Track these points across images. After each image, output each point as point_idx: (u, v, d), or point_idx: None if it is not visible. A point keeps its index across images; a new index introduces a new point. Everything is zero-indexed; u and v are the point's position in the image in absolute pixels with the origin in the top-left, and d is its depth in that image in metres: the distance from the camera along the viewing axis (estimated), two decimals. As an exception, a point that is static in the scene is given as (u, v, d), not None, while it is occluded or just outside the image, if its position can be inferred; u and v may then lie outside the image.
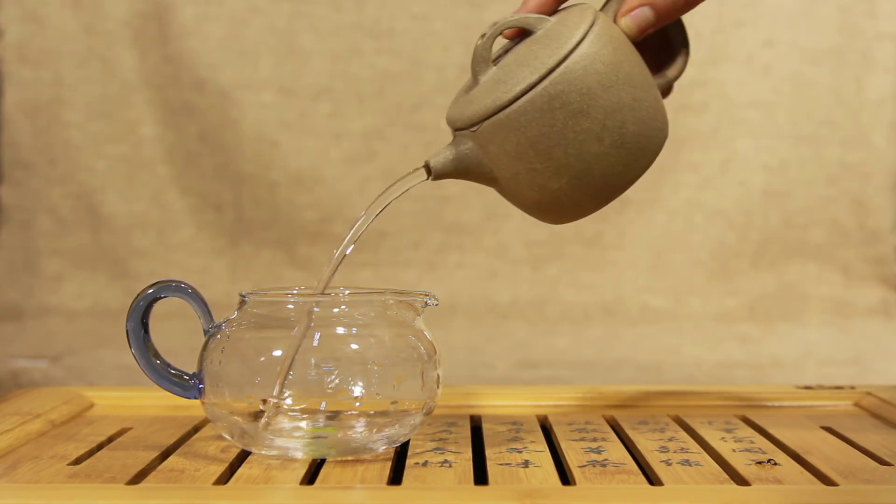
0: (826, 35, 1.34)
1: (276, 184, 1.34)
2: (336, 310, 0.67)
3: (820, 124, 1.35)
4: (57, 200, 1.33)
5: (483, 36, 0.65)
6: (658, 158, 0.68)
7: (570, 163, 0.64)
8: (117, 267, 1.34)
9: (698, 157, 1.34)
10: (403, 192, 0.66)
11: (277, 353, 0.64)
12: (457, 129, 0.66)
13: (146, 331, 0.67)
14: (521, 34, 0.66)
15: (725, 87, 1.34)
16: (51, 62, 1.33)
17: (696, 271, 1.35)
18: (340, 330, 0.66)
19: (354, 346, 0.66)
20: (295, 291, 0.70)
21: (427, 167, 0.66)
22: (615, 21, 0.67)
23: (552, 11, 0.68)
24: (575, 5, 0.68)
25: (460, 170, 0.66)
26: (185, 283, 0.67)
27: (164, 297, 0.67)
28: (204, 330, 0.67)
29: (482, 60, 0.65)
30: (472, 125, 0.64)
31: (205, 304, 0.67)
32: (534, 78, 0.63)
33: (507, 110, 0.63)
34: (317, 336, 0.65)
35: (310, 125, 1.34)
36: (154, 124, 1.34)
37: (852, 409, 0.82)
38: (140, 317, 0.67)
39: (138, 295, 0.67)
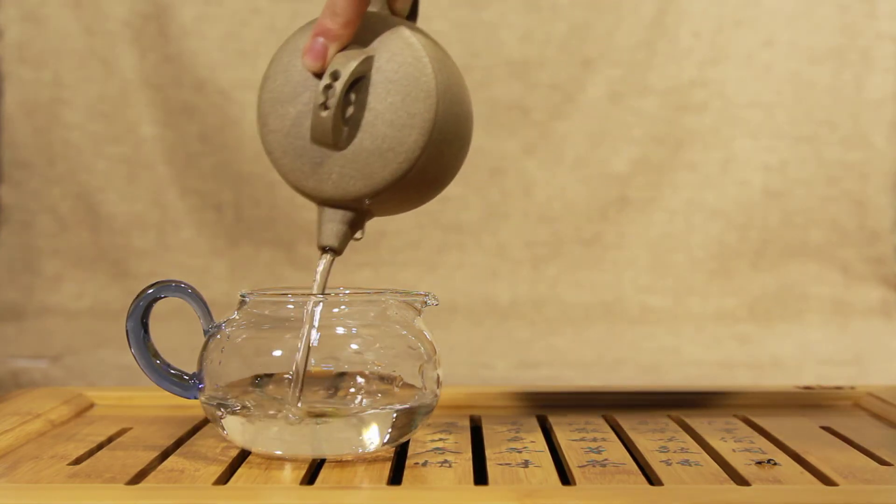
0: (826, 35, 1.34)
1: (276, 184, 1.33)
2: (336, 310, 0.67)
3: (820, 124, 1.35)
4: (57, 200, 1.33)
5: (324, 105, 0.61)
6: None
7: (446, 176, 0.67)
8: (117, 267, 1.34)
9: (698, 157, 1.34)
10: (325, 282, 0.65)
11: (277, 353, 0.64)
12: (341, 204, 0.65)
13: (146, 331, 0.67)
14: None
15: (725, 87, 1.34)
16: (51, 62, 1.33)
17: (696, 271, 1.35)
18: (340, 330, 0.66)
19: (354, 346, 0.66)
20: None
21: (331, 251, 0.65)
22: (392, 11, 0.67)
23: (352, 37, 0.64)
24: (376, 22, 0.65)
25: (355, 232, 0.67)
26: (185, 283, 0.67)
27: (164, 297, 0.67)
28: (204, 330, 0.67)
29: (336, 128, 0.62)
30: (368, 199, 0.64)
31: (205, 304, 0.67)
32: (423, 138, 0.63)
33: (409, 176, 0.63)
34: (317, 336, 0.65)
35: (310, 125, 1.34)
36: (154, 124, 1.34)
37: (852, 409, 0.82)
38: (140, 317, 0.67)
39: (138, 295, 0.67)
